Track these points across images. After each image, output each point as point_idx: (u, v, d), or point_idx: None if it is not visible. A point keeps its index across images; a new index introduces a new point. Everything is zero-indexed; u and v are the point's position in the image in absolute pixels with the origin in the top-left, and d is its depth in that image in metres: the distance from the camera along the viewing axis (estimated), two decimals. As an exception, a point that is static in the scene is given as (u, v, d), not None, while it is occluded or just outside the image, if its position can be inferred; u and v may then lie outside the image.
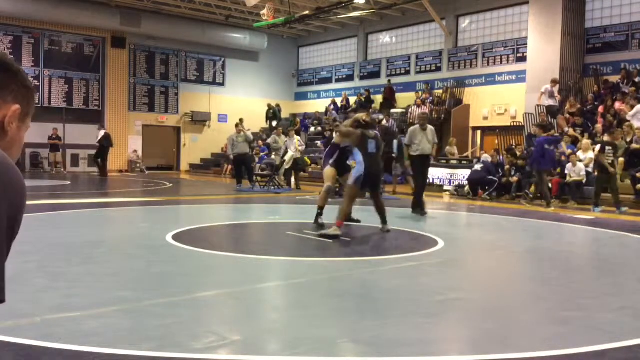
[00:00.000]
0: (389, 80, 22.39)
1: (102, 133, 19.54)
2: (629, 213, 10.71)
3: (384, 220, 7.61)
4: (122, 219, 8.96)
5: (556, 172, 12.95)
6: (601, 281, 5.13)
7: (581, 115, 15.15)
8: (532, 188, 13.27)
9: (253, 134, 16.61)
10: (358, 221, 8.23)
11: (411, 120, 19.88)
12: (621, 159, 12.59)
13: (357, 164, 7.40)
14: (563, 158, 13.20)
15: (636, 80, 14.94)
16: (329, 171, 8.24)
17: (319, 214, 7.89)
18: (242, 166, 14.87)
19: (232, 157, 14.77)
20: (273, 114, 23.60)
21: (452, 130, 19.13)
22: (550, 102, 15.99)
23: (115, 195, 12.64)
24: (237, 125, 15.16)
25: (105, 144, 19.32)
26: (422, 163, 10.00)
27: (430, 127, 10.06)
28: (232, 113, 24.69)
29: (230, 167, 20.46)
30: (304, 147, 17.30)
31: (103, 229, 7.98)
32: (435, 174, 16.13)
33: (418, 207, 9.83)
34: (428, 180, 16.01)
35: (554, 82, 15.97)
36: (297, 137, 16.22)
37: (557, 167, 12.86)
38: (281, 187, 14.85)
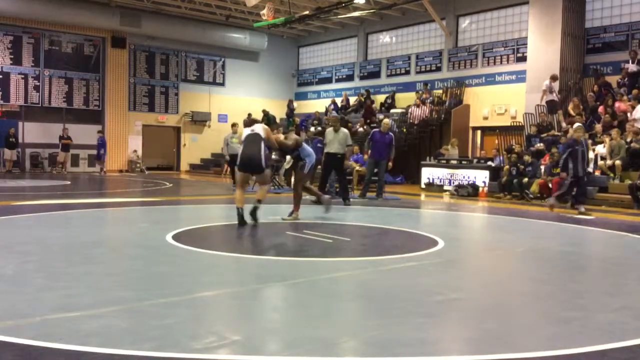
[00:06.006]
0: (364, 94, 22.49)
1: None
2: (629, 213, 10.70)
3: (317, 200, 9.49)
4: (122, 219, 8.95)
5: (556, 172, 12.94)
6: (601, 281, 5.13)
7: (582, 114, 15.12)
8: (533, 187, 13.28)
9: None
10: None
11: (411, 121, 19.91)
12: (617, 162, 12.57)
13: (308, 156, 8.84)
14: None
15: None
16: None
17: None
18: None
19: (227, 157, 14.68)
20: (268, 121, 23.84)
21: (452, 130, 19.14)
22: (550, 98, 15.98)
23: (115, 196, 12.64)
24: (233, 125, 15.05)
25: None
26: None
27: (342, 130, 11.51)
28: (232, 113, 24.72)
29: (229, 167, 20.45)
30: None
31: (103, 229, 7.98)
32: (436, 174, 16.16)
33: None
34: (429, 180, 16.20)
35: (552, 78, 15.95)
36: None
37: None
38: (281, 187, 14.84)
